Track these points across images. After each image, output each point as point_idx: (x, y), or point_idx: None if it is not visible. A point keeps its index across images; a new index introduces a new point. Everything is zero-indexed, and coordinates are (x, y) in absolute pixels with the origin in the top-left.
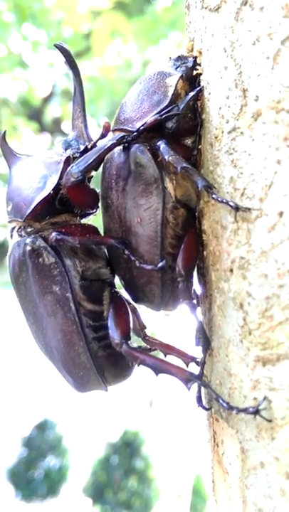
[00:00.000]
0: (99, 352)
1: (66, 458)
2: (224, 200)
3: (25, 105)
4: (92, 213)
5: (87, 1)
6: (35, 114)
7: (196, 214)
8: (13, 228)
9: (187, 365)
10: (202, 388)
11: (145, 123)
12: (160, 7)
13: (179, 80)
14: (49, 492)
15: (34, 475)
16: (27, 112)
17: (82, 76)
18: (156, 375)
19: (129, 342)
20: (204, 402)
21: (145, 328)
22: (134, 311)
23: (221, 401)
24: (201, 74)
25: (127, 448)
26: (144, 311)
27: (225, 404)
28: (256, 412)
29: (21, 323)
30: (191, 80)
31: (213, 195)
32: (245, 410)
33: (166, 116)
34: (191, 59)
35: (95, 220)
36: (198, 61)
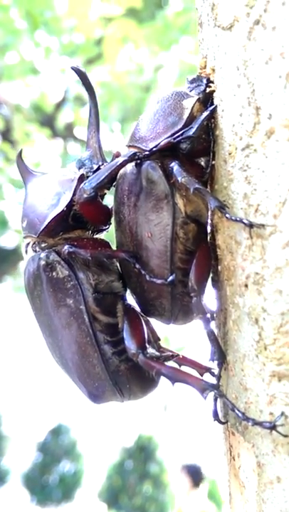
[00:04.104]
0: (121, 365)
1: (81, 463)
2: (238, 219)
3: (38, 111)
4: (104, 229)
5: (99, 7)
6: (47, 120)
7: (209, 229)
8: (28, 244)
9: (202, 376)
10: (218, 402)
11: (158, 144)
12: (171, 12)
13: (195, 103)
14: (64, 497)
15: (49, 480)
16: (39, 118)
17: (95, 83)
18: (173, 384)
19: (145, 352)
20: (220, 415)
21: (159, 340)
22: (148, 323)
23: (236, 411)
24: (214, 91)
25: (142, 453)
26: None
27: (241, 415)
28: (273, 427)
29: (35, 328)
30: (207, 102)
31: (227, 215)
32: (261, 424)
33: (180, 139)
34: (205, 81)
35: (107, 235)
36: (211, 78)
